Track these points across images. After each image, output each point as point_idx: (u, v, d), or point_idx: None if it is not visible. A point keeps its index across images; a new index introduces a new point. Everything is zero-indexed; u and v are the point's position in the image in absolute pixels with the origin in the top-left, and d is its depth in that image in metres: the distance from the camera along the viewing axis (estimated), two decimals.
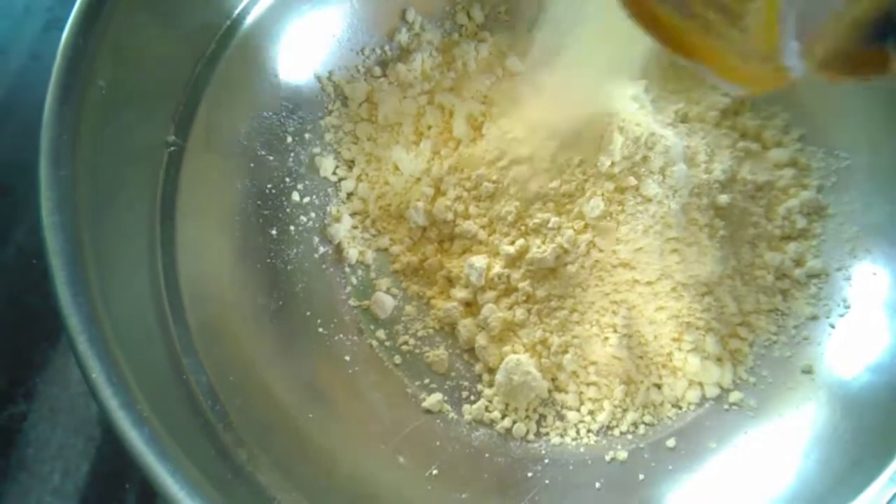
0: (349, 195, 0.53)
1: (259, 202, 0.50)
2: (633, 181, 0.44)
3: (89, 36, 0.36)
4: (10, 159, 0.58)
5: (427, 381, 0.48)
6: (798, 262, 0.48)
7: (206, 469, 0.34)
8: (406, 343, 0.49)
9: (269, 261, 0.49)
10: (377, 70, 0.55)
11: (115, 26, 0.38)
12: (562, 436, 0.46)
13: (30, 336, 0.51)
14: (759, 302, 0.47)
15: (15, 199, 0.56)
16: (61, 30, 0.63)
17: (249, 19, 0.49)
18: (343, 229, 0.51)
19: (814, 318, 0.47)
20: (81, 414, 0.49)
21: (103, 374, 0.32)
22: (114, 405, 0.31)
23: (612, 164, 0.44)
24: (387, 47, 0.56)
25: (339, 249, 0.51)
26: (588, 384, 0.46)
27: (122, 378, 0.32)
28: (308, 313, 0.48)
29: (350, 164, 0.53)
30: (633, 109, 0.45)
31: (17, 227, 0.55)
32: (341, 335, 0.49)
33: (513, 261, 0.47)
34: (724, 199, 0.46)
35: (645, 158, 0.44)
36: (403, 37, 0.55)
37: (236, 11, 0.48)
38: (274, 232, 0.50)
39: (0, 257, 0.54)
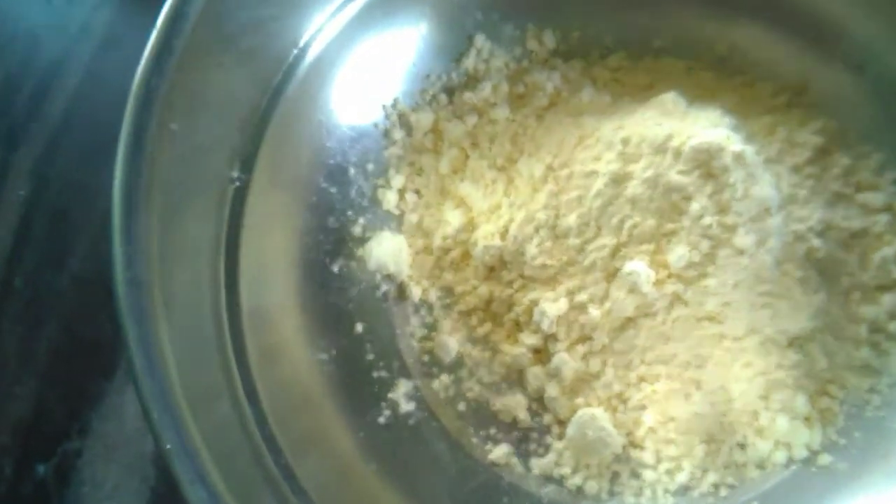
0: (412, 230, 0.51)
1: (321, 237, 0.48)
2: (724, 232, 0.41)
3: (162, 77, 0.35)
4: (67, 181, 0.57)
5: (493, 430, 0.46)
6: (893, 316, 0.45)
7: None
8: (471, 389, 0.47)
9: (330, 300, 0.47)
10: (443, 98, 0.53)
11: (186, 66, 0.36)
12: (637, 496, 0.43)
13: (85, 368, 0.50)
14: (852, 358, 0.44)
15: (71, 225, 0.55)
16: (119, 49, 0.63)
17: (315, 48, 0.47)
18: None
19: None
20: (136, 451, 0.48)
21: (174, 440, 0.30)
22: (186, 479, 0.29)
23: (704, 208, 0.41)
24: (454, 74, 0.53)
25: (401, 287, 0.49)
26: (667, 442, 0.44)
27: (191, 444, 0.31)
28: (370, 356, 0.47)
29: (414, 198, 0.51)
30: (739, 146, 0.41)
31: (73, 254, 0.54)
32: (404, 379, 0.47)
33: (588, 308, 0.44)
34: (820, 249, 0.43)
35: (739, 205, 0.41)
36: (471, 63, 0.53)
37: (303, 41, 0.46)
38: (336, 268, 0.48)
39: (54, 286, 0.53)
